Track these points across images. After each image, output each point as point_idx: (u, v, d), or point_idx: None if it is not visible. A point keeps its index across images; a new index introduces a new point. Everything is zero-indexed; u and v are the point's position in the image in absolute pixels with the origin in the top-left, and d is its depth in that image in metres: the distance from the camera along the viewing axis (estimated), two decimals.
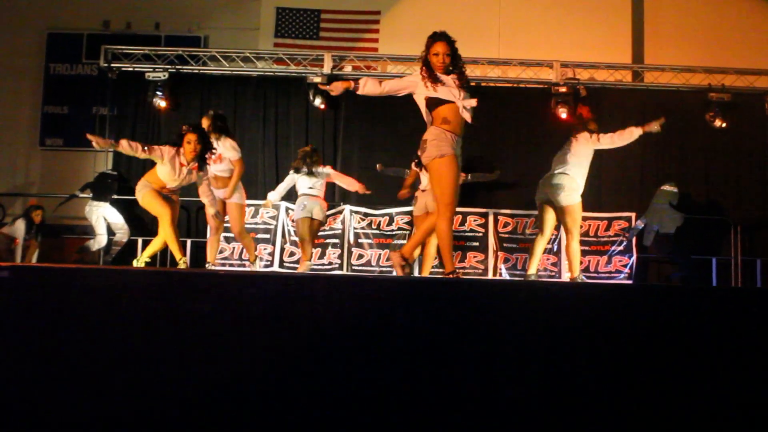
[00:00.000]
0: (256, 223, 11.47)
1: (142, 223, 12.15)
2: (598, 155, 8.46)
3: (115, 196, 11.67)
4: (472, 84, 12.08)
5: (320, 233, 10.53)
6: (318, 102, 12.18)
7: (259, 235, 11.36)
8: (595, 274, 11.19)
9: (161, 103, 12.34)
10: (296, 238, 11.04)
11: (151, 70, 12.38)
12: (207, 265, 9.13)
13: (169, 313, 3.43)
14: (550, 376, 3.34)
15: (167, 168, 7.70)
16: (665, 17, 13.90)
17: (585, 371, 3.35)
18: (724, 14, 13.78)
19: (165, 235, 7.81)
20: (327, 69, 12.44)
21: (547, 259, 11.15)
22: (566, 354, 3.35)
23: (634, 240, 11.20)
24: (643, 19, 13.90)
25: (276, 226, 11.49)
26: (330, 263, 11.32)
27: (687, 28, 13.78)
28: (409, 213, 11.17)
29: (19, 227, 11.79)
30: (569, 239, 8.37)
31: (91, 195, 11.43)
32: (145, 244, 11.58)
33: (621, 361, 3.35)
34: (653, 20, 13.91)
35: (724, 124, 12.19)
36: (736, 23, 13.73)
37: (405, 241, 11.30)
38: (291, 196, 10.28)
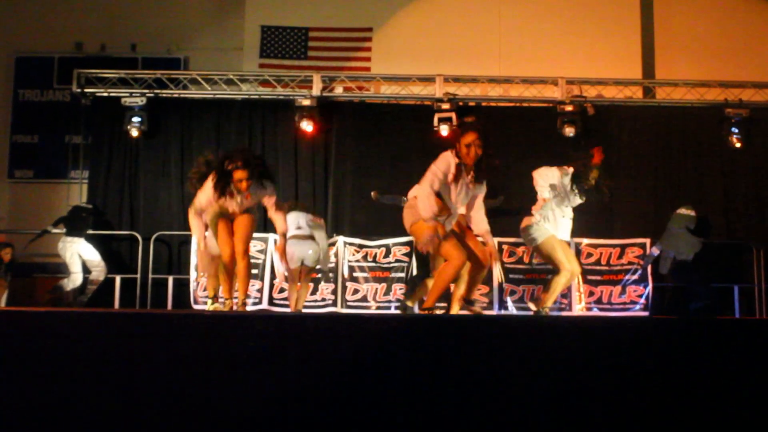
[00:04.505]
0: None
1: (119, 260, 12.12)
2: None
3: (91, 231, 11.60)
4: (471, 104, 12.29)
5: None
6: (306, 125, 12.17)
7: None
8: (609, 306, 11.15)
9: (139, 131, 12.29)
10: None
11: (127, 95, 12.37)
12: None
13: (154, 356, 3.42)
14: (560, 418, 3.33)
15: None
16: (677, 29, 13.90)
17: (598, 412, 3.34)
18: (740, 25, 13.79)
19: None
20: (316, 91, 12.44)
21: None
22: (577, 394, 3.35)
23: (649, 268, 11.18)
24: (654, 31, 13.89)
25: (264, 260, 11.45)
26: (323, 299, 11.27)
27: (700, 40, 13.77)
28: (408, 244, 11.14)
29: None
30: None
31: (64, 230, 11.35)
32: (123, 282, 11.59)
33: (638, 400, 3.35)
34: (664, 32, 13.91)
35: (741, 143, 12.23)
36: (753, 34, 13.73)
37: (403, 274, 11.28)
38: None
